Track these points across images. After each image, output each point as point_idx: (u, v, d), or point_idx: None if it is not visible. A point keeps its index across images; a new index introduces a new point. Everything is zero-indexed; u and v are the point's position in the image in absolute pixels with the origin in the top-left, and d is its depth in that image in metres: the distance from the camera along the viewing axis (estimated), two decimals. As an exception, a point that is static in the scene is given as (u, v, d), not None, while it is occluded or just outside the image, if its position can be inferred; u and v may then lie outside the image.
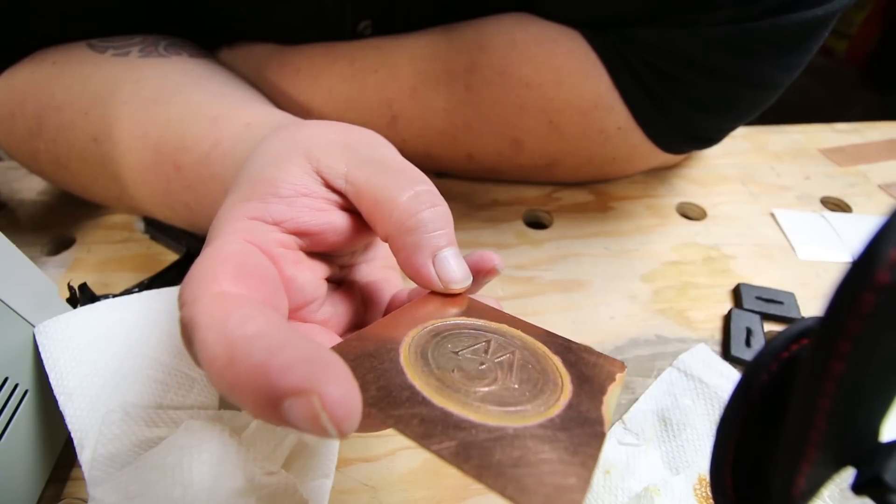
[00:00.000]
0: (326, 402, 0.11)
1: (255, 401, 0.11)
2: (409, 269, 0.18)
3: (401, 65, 0.34)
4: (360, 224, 0.19)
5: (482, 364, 0.15)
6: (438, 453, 0.11)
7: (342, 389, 0.11)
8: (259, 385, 0.11)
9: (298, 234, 0.18)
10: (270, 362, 0.11)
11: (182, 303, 0.14)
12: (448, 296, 0.18)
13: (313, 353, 0.11)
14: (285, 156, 0.19)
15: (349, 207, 0.19)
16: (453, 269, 0.18)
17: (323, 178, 0.18)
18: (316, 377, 0.11)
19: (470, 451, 0.12)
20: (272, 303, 0.15)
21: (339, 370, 0.11)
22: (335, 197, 0.19)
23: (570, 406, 0.14)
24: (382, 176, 0.18)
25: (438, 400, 0.13)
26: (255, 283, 0.15)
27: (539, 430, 0.13)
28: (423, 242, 0.17)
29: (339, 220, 0.19)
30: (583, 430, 0.13)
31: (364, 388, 0.13)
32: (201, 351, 0.12)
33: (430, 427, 0.12)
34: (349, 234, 0.19)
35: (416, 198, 0.17)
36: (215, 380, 0.12)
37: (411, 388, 0.13)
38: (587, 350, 0.17)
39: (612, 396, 0.15)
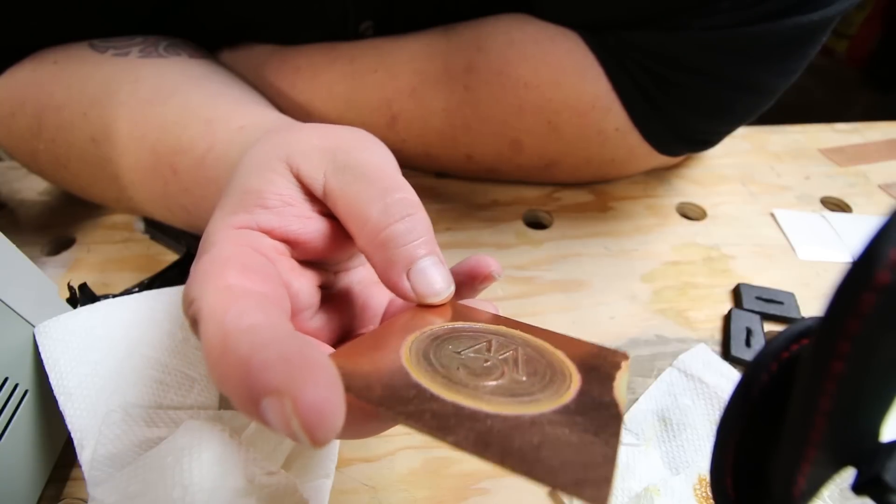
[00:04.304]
0: (299, 406, 0.10)
1: (238, 396, 0.11)
2: (386, 285, 0.17)
3: (400, 65, 0.34)
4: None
5: (487, 361, 0.15)
6: (456, 444, 0.11)
7: (319, 394, 0.10)
8: (241, 380, 0.11)
9: (288, 242, 0.18)
10: (253, 357, 0.11)
11: (189, 301, 0.14)
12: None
13: (297, 353, 0.11)
14: (268, 164, 0.18)
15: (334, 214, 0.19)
16: (430, 281, 0.17)
17: (303, 186, 0.18)
18: (292, 378, 0.10)
19: (488, 438, 0.11)
20: (277, 298, 0.15)
21: (320, 373, 0.11)
22: (318, 205, 0.18)
23: (582, 392, 0.14)
24: (355, 186, 0.17)
25: (448, 395, 0.13)
26: (260, 278, 0.15)
27: (555, 415, 0.12)
28: (394, 258, 0.17)
29: (327, 228, 0.18)
30: (599, 413, 0.13)
31: (369, 388, 0.13)
32: (202, 342, 0.12)
33: (443, 420, 0.12)
34: (339, 242, 0.19)
35: (385, 211, 0.17)
36: (210, 371, 0.12)
37: (417, 386, 0.13)
38: (588, 344, 0.17)
39: (622, 383, 0.15)
